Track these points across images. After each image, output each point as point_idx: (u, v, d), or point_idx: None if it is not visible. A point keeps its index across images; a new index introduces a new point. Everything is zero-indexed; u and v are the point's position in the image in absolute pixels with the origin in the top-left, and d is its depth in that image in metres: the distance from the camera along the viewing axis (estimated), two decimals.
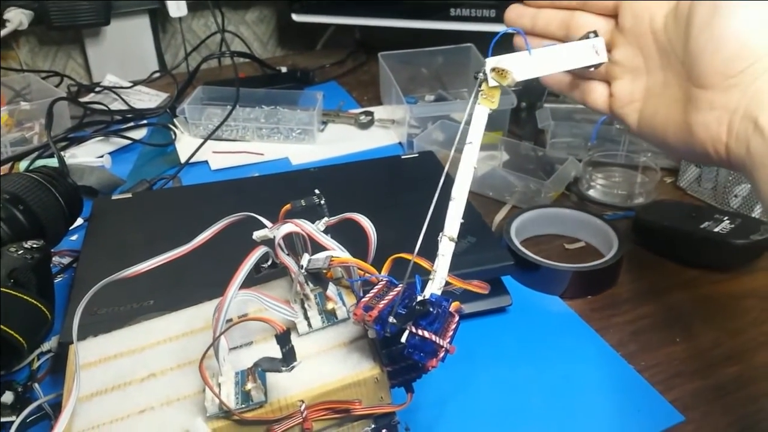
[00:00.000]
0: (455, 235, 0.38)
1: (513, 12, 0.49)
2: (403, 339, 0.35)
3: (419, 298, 0.36)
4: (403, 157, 0.78)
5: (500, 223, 0.73)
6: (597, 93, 0.47)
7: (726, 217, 0.67)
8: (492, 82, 0.40)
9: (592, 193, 0.79)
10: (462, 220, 0.38)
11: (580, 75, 0.48)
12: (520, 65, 0.42)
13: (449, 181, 0.39)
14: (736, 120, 0.38)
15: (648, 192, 0.77)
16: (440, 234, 0.38)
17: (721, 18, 0.38)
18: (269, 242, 0.40)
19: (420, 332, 0.35)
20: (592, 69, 0.46)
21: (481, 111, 0.40)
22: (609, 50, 0.46)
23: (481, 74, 0.40)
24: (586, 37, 0.45)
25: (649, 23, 0.43)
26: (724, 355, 0.56)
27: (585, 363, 0.55)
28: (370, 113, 0.98)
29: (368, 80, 1.14)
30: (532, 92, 0.90)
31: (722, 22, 0.38)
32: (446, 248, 0.38)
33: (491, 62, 0.41)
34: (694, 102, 0.40)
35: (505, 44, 0.44)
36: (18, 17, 0.99)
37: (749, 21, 0.37)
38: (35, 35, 1.13)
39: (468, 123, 0.40)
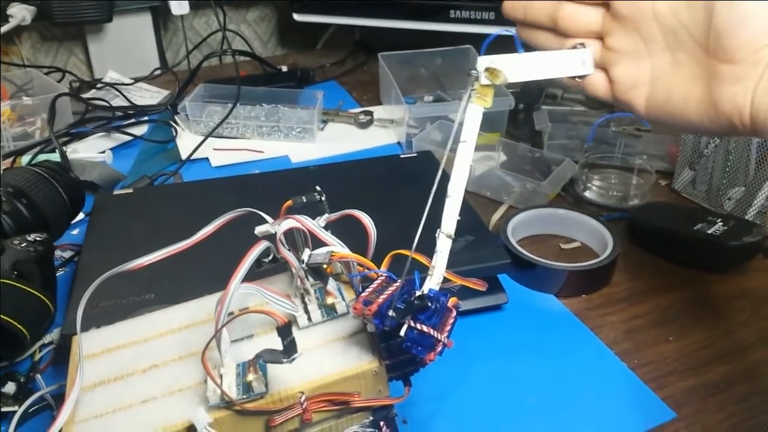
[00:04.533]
0: (452, 231, 0.39)
1: (508, 2, 0.49)
2: (402, 332, 0.36)
3: (418, 294, 0.37)
4: (401, 156, 0.79)
5: (497, 222, 0.74)
6: (595, 80, 0.47)
7: (719, 220, 0.68)
8: (484, 81, 0.41)
9: (587, 194, 0.80)
10: (459, 218, 0.39)
11: None
12: (512, 66, 0.42)
13: (445, 179, 0.40)
14: (760, 88, 0.39)
15: (643, 194, 0.78)
16: (438, 231, 0.39)
17: None
18: (270, 237, 0.41)
19: (419, 326, 0.36)
20: (578, 79, 0.46)
21: (474, 110, 0.41)
22: (603, 37, 0.46)
23: (474, 71, 0.41)
24: (575, 47, 0.45)
25: (650, 8, 0.43)
26: (716, 354, 0.57)
27: (579, 360, 0.56)
28: (370, 113, 0.99)
29: (368, 80, 1.15)
30: (529, 94, 0.91)
31: (747, 1, 0.38)
32: (444, 244, 0.39)
33: (484, 62, 0.41)
34: (719, 77, 0.40)
35: (498, 45, 0.44)
36: (21, 13, 1.00)
37: None
38: (37, 31, 1.14)
39: (462, 123, 0.41)
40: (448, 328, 0.37)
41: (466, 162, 0.40)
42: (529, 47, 0.47)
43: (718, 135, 0.48)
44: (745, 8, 0.39)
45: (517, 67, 0.43)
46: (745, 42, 0.39)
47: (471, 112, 0.41)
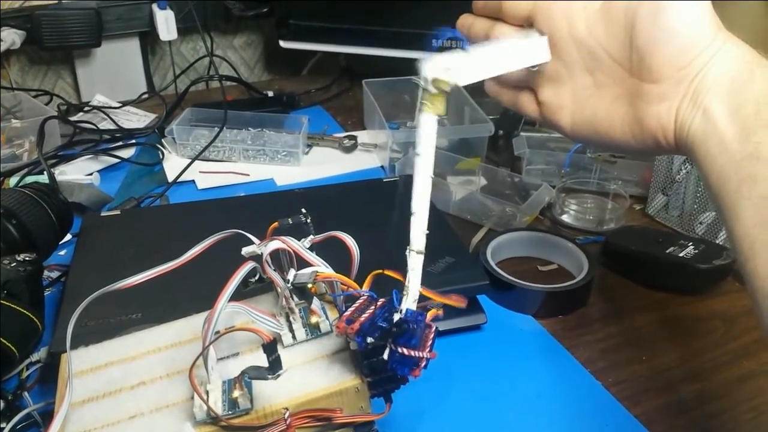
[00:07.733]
0: (422, 247, 0.39)
1: (460, 20, 0.50)
2: (386, 356, 0.37)
3: (396, 315, 0.38)
4: (384, 180, 0.81)
5: (477, 245, 0.76)
6: (526, 101, 0.48)
7: (691, 243, 0.71)
8: (432, 90, 0.39)
9: (564, 218, 0.82)
10: (427, 232, 0.39)
11: (510, 84, 0.49)
12: (459, 68, 0.40)
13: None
14: (683, 106, 0.40)
15: (618, 218, 0.81)
16: (407, 249, 0.39)
17: (667, 14, 0.39)
18: (257, 258, 0.42)
19: (400, 350, 0.37)
20: (536, 68, 0.45)
21: (426, 119, 0.39)
22: None
23: (421, 82, 0.39)
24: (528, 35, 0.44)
25: (567, 31, 0.43)
26: (688, 374, 0.59)
27: (556, 379, 0.58)
28: (354, 137, 1.01)
29: (352, 105, 1.17)
30: (509, 121, 0.93)
31: (669, 19, 0.39)
32: (415, 262, 0.40)
33: (431, 71, 0.39)
34: (644, 96, 0.41)
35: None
36: (11, 37, 1.01)
37: (692, 14, 0.39)
38: (26, 54, 1.15)
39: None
40: (430, 342, 0.38)
41: (426, 175, 0.39)
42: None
43: (643, 154, 0.49)
44: (668, 26, 0.39)
45: (467, 68, 0.40)
46: (669, 60, 0.39)
47: (423, 122, 0.39)
